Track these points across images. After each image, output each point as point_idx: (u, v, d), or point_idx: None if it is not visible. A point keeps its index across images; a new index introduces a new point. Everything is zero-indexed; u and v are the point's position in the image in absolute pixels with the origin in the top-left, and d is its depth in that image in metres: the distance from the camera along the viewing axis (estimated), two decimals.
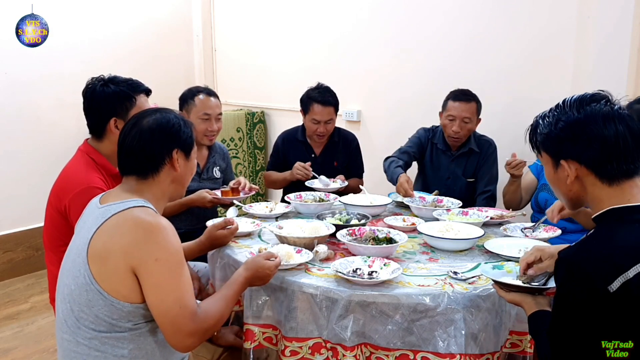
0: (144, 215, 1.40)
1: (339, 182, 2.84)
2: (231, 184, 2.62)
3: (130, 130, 1.52)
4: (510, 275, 1.62)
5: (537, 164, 2.70)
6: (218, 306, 1.50)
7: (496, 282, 1.52)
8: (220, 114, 2.72)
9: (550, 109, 1.30)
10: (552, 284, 1.48)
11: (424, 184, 2.99)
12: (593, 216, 1.26)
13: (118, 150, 1.54)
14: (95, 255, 1.38)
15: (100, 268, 1.37)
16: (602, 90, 1.27)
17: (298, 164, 2.89)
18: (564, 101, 1.28)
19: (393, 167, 2.73)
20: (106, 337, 1.39)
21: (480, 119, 2.84)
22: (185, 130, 1.55)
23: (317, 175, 2.85)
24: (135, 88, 2.02)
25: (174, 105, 2.60)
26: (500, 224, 2.33)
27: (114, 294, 1.37)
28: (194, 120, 2.61)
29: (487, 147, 2.86)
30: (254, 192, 2.63)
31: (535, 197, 2.65)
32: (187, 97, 2.68)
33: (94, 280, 1.37)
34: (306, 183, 2.82)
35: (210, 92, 2.72)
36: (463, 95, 2.78)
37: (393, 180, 2.70)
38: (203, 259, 2.24)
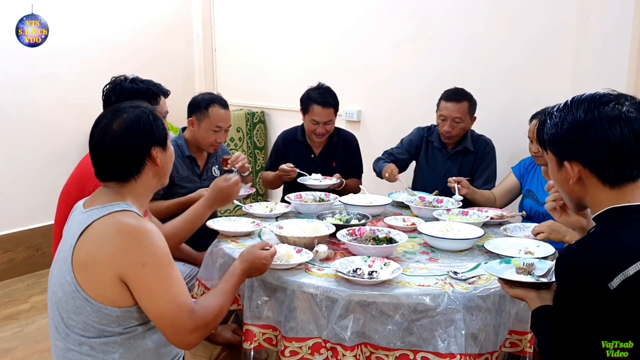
0: (127, 219, 1.38)
1: (333, 179, 2.83)
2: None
3: (103, 136, 1.44)
4: (517, 267, 1.61)
5: (519, 166, 2.69)
6: (217, 300, 1.49)
7: (500, 278, 1.52)
8: (230, 126, 2.71)
9: (558, 108, 1.27)
10: (549, 277, 1.48)
11: (420, 181, 3.00)
12: (593, 216, 1.26)
13: (93, 156, 1.47)
14: (80, 263, 1.36)
15: (85, 275, 1.35)
16: (614, 90, 1.24)
17: (280, 168, 2.88)
18: (572, 100, 1.25)
19: (381, 163, 2.92)
20: (96, 343, 1.38)
21: (475, 118, 2.84)
22: (157, 124, 1.49)
23: (306, 174, 2.85)
24: (158, 88, 2.09)
25: (174, 105, 2.61)
26: (500, 224, 2.33)
27: (102, 300, 1.35)
28: (204, 131, 2.61)
29: (483, 147, 2.86)
30: (247, 173, 2.66)
31: (521, 203, 2.65)
32: (201, 106, 2.63)
33: (80, 287, 1.35)
34: (300, 180, 2.81)
35: (224, 104, 2.68)
36: (454, 95, 2.79)
37: (380, 172, 2.86)
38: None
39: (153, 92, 2.05)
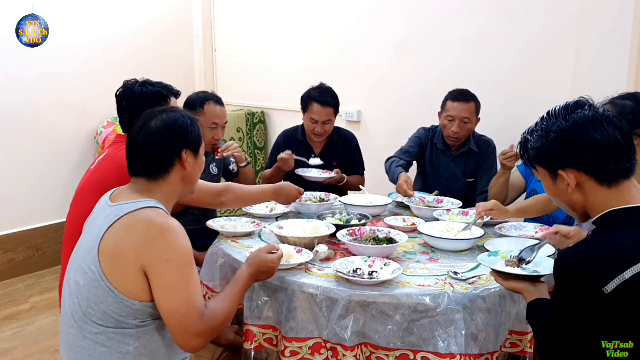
0: (156, 216, 1.42)
1: (332, 173, 2.86)
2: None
3: (138, 132, 1.52)
4: (505, 260, 1.63)
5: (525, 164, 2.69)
6: (224, 305, 1.51)
7: (494, 271, 1.54)
8: (226, 122, 2.74)
9: (536, 123, 1.31)
10: (542, 269, 1.51)
11: (423, 183, 2.99)
12: (592, 219, 1.27)
13: (127, 152, 1.54)
14: (106, 253, 1.39)
15: (110, 266, 1.39)
16: (583, 97, 1.29)
17: (279, 158, 2.89)
18: (548, 113, 1.30)
19: (394, 167, 2.74)
20: (113, 333, 1.40)
21: (479, 119, 2.84)
22: (193, 129, 1.56)
23: (306, 160, 2.90)
24: (168, 89, 2.11)
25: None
26: (499, 224, 2.32)
27: (124, 291, 1.38)
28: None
29: (486, 147, 2.86)
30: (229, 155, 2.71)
31: None
32: (196, 104, 2.65)
33: (105, 277, 1.38)
34: (298, 172, 2.85)
35: (218, 101, 2.71)
36: (462, 95, 2.78)
37: (394, 180, 2.71)
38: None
39: (162, 94, 2.07)
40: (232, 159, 2.83)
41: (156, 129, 1.50)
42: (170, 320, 1.39)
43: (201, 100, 2.66)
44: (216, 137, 2.67)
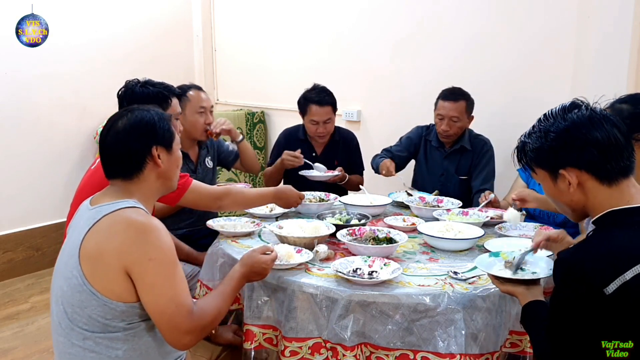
0: (136, 215, 1.40)
1: (335, 171, 2.89)
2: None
3: (107, 134, 1.50)
4: (505, 261, 1.63)
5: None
6: (215, 303, 1.50)
7: (490, 274, 1.55)
8: (212, 106, 2.78)
9: (533, 126, 1.32)
10: (539, 271, 1.52)
11: (420, 180, 3.02)
12: (593, 219, 1.27)
13: (100, 155, 1.53)
14: (87, 256, 1.37)
15: (92, 269, 1.37)
16: (578, 98, 1.30)
17: (286, 153, 2.92)
18: (545, 115, 1.30)
19: (378, 159, 2.91)
20: (100, 338, 1.39)
21: (473, 117, 2.84)
22: (162, 125, 1.52)
23: (311, 164, 2.90)
24: (170, 90, 2.11)
25: None
26: (500, 224, 2.33)
27: (107, 293, 1.36)
28: (191, 117, 2.65)
29: (481, 147, 2.87)
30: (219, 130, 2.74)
31: None
32: (180, 95, 2.67)
33: (87, 281, 1.36)
34: (302, 173, 2.85)
35: (199, 87, 2.77)
36: (451, 95, 2.80)
37: (377, 168, 2.85)
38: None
39: (164, 95, 2.06)
40: (226, 142, 2.84)
41: (123, 129, 1.48)
42: (159, 319, 1.38)
43: (183, 90, 2.69)
44: (207, 122, 2.71)
